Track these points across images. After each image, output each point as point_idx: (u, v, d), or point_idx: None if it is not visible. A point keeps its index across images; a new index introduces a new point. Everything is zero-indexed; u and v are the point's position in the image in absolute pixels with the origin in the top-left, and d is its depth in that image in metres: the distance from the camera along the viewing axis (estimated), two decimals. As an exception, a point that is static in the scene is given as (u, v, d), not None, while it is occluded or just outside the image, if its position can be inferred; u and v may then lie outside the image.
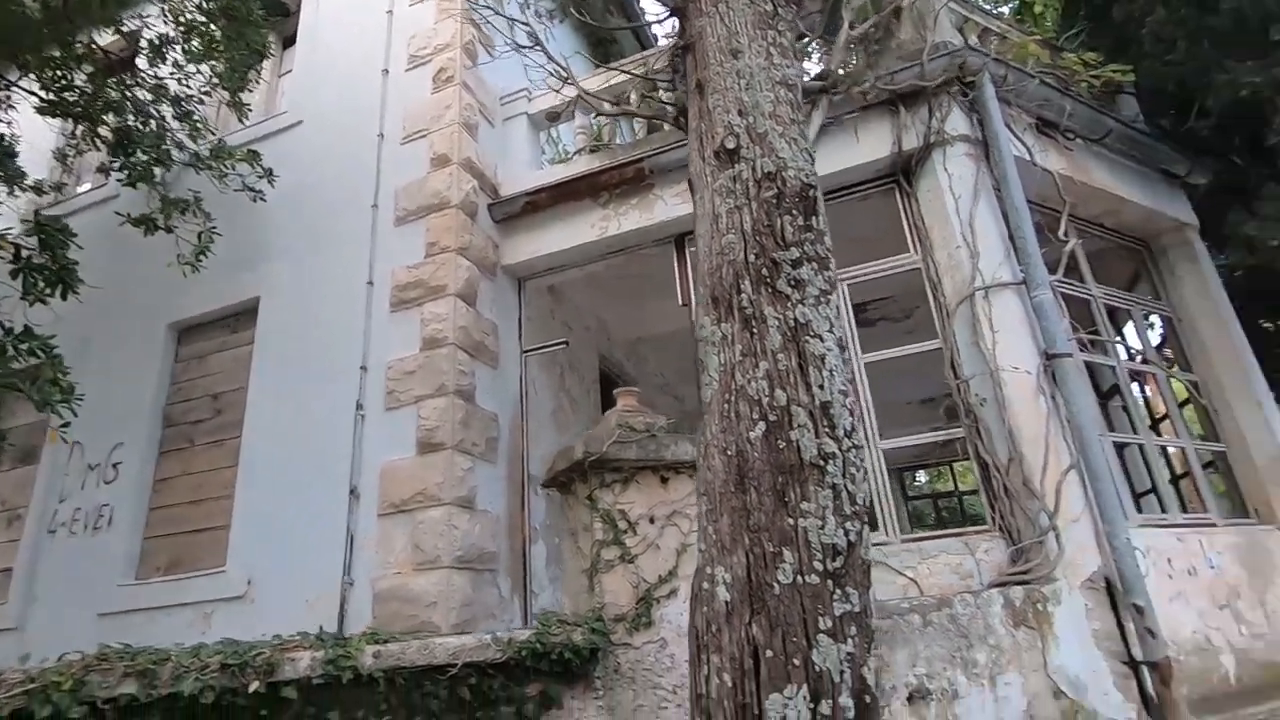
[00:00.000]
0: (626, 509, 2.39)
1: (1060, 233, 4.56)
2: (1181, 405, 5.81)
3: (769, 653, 1.43)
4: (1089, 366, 5.10)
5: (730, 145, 1.90)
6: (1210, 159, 5.75)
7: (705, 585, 1.55)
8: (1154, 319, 6.52)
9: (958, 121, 4.50)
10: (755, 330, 1.71)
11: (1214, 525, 4.80)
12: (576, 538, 2.49)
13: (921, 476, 20.08)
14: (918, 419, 7.84)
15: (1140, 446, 5.78)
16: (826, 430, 1.61)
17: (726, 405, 1.67)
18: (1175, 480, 6.08)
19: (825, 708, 1.41)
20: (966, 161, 4.44)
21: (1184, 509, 5.30)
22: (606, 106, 3.80)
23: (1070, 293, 5.04)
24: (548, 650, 2.06)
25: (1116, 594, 3.49)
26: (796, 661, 1.42)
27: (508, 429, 5.14)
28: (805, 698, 1.40)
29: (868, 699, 1.48)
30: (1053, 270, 4.37)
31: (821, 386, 1.65)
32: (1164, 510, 4.66)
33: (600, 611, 2.25)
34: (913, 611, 2.91)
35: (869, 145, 4.69)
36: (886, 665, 2.74)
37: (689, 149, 2.13)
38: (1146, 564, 4.05)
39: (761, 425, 1.62)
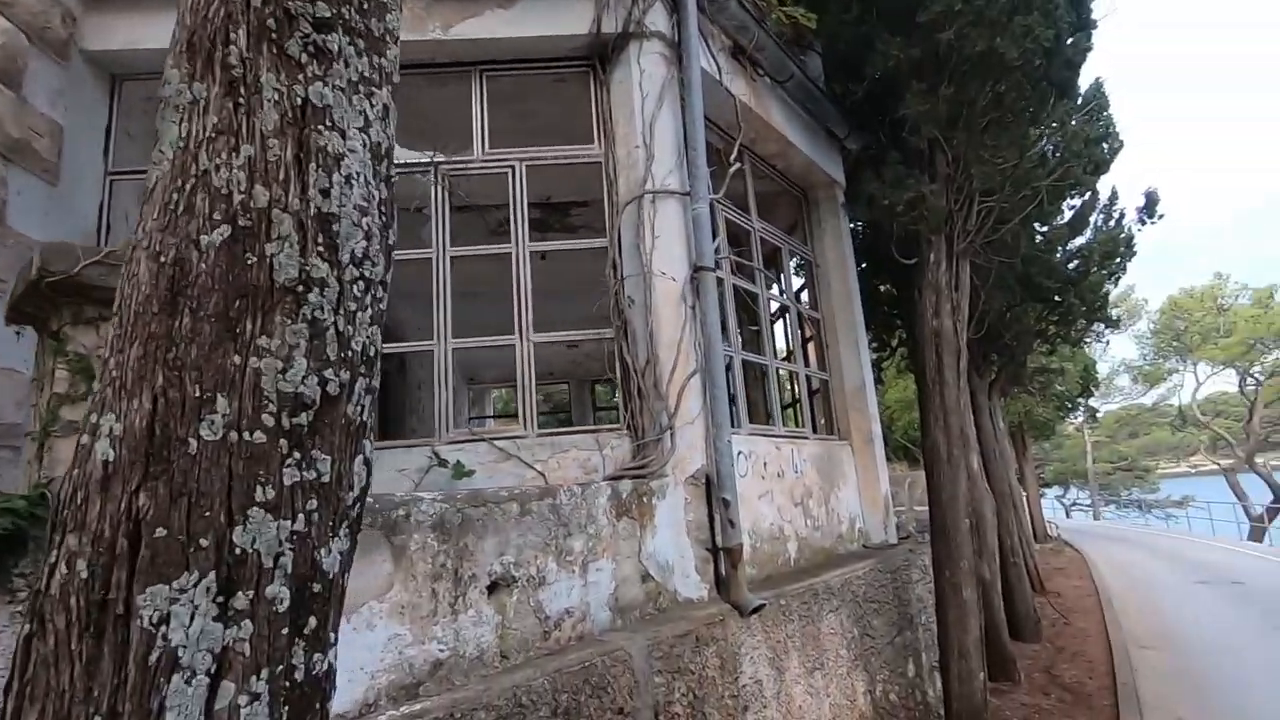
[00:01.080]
0: (120, 358, 1.77)
1: (732, 157, 4.75)
2: (809, 340, 6.76)
3: (161, 530, 1.03)
4: (749, 295, 5.55)
5: None
6: (865, 133, 6.56)
7: (85, 439, 1.08)
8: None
9: (658, 18, 4.34)
10: (244, 100, 1.21)
11: (807, 438, 5.67)
12: (41, 390, 1.80)
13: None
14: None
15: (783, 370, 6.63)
16: (321, 250, 1.21)
17: (177, 195, 1.17)
18: (795, 401, 7.16)
19: (242, 600, 1.06)
20: (660, 61, 4.32)
21: (798, 424, 6.21)
22: None
23: (736, 220, 5.38)
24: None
25: (713, 489, 3.83)
26: (205, 542, 1.04)
27: (71, 271, 3.88)
28: (210, 589, 1.04)
29: (316, 588, 1.17)
30: (717, 191, 4.53)
31: (327, 193, 1.24)
32: (773, 423, 5.34)
33: (44, 489, 1.65)
34: (511, 500, 2.78)
35: (570, 19, 4.30)
36: (470, 554, 2.57)
37: None
38: (748, 466, 4.57)
39: (225, 229, 1.15)
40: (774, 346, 5.46)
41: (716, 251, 4.75)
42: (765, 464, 4.77)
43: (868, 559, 5.28)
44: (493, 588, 2.66)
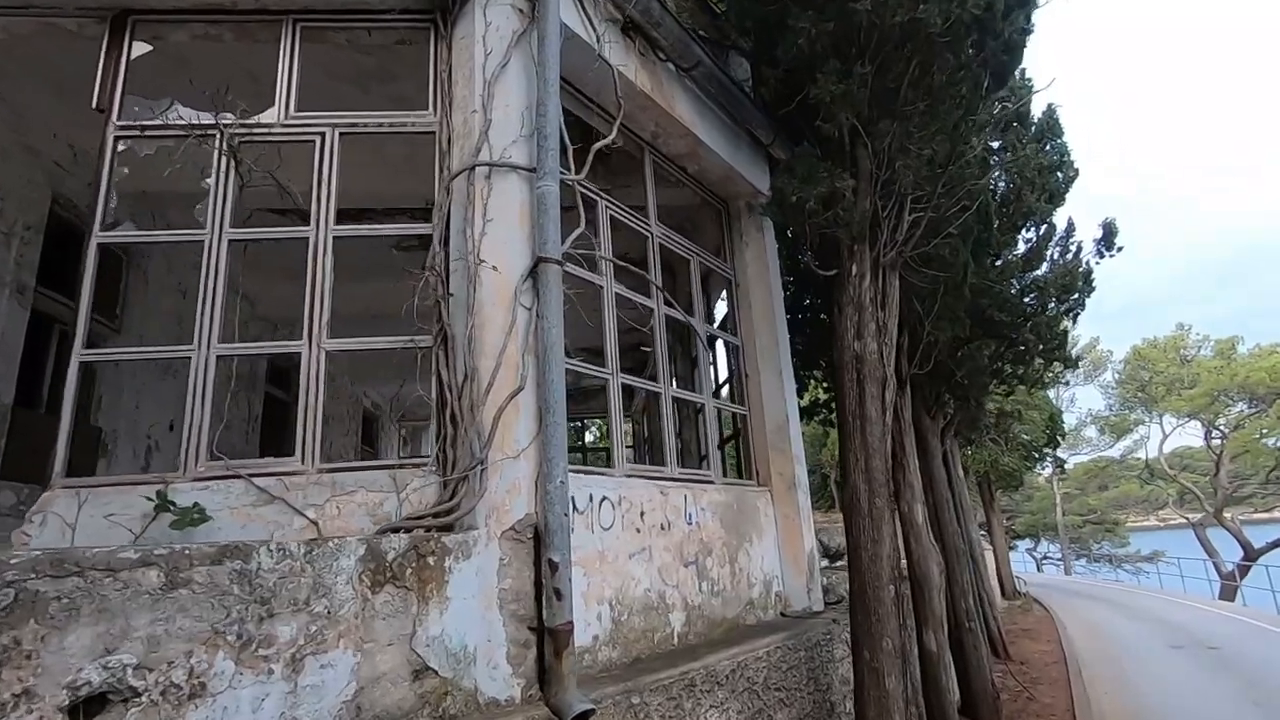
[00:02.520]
0: None
1: (610, 138, 3.95)
2: (733, 376, 5.91)
3: None
4: (643, 309, 4.68)
5: None
6: (794, 143, 5.85)
7: None
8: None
9: (511, -38, 3.57)
10: None
11: (710, 482, 4.75)
12: None
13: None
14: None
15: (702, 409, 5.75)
16: None
17: None
18: (721, 443, 6.27)
19: None
20: (510, 15, 3.54)
21: (701, 465, 5.25)
22: None
23: (627, 221, 4.57)
24: None
25: (543, 547, 2.88)
26: None
27: None
28: None
29: None
30: (578, 171, 3.70)
31: None
32: (665, 463, 4.42)
33: None
34: (145, 565, 1.81)
35: (403, -42, 3.53)
36: (27, 657, 1.59)
37: None
38: (616, 516, 3.63)
39: None
40: (673, 373, 4.59)
41: (590, 247, 3.92)
42: (643, 513, 3.83)
43: (780, 631, 4.31)
44: (87, 708, 1.67)
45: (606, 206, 4.34)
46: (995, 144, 8.68)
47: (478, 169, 3.27)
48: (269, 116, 3.46)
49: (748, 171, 5.64)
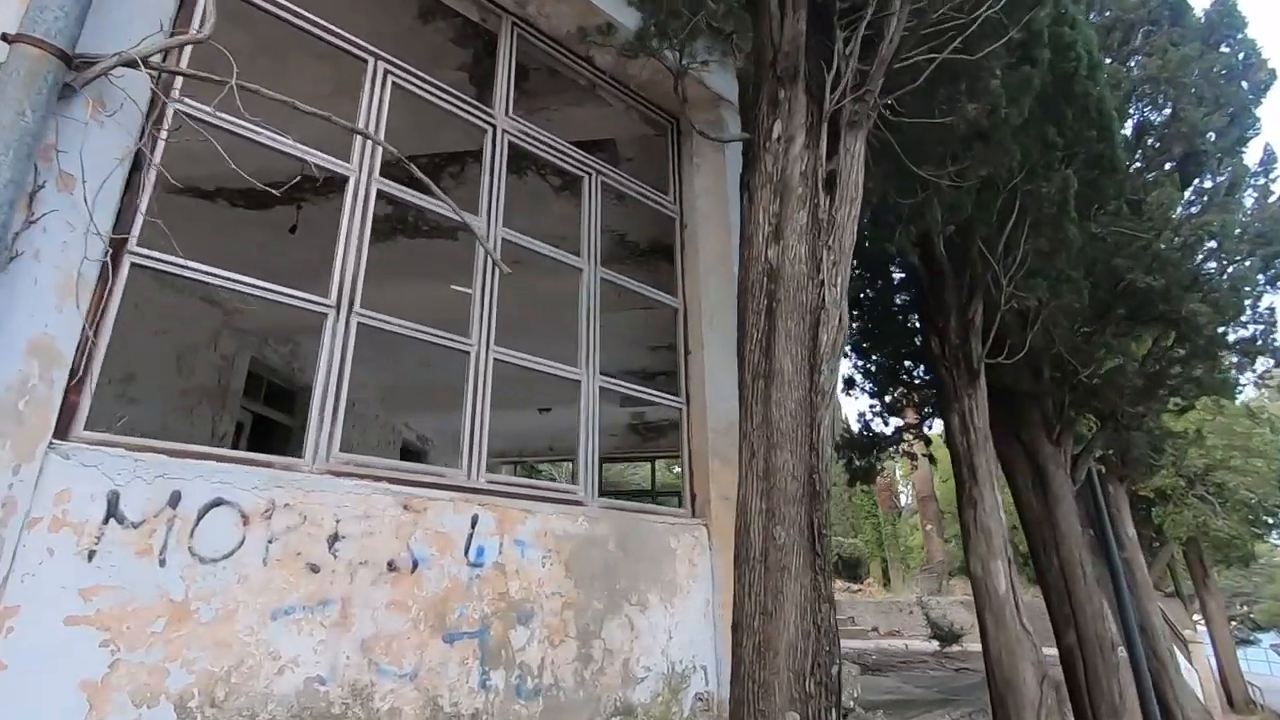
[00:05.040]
0: None
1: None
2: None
3: None
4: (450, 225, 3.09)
5: None
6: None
7: None
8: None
9: None
10: None
11: (577, 503, 2.95)
12: None
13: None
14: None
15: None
16: None
17: None
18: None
19: None
20: None
21: (567, 477, 3.40)
22: None
23: (440, 103, 3.06)
24: None
25: None
26: None
27: None
28: None
29: None
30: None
31: None
32: (467, 464, 2.70)
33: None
34: None
35: None
36: None
37: None
38: (246, 538, 2.02)
39: None
40: (490, 319, 2.90)
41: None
42: (337, 539, 2.16)
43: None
44: None
45: (388, 71, 2.86)
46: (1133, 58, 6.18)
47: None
48: None
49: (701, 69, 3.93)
